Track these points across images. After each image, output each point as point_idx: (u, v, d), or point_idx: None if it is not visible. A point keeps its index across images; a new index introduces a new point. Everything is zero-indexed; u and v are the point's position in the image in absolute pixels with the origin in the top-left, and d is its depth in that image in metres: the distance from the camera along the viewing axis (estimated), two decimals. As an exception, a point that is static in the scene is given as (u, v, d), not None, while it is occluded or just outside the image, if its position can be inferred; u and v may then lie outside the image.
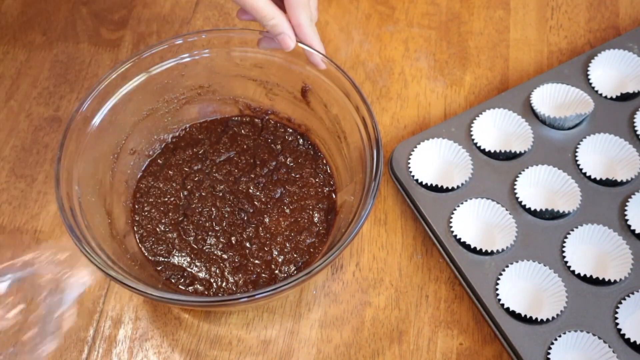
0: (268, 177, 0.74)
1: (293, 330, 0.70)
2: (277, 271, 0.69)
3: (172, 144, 0.77)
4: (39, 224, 0.76)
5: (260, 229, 0.71)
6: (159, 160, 0.75)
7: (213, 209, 0.72)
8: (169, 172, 0.75)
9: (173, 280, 0.69)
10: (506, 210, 0.72)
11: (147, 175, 0.74)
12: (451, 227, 0.71)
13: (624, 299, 0.67)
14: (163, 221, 0.72)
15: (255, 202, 0.72)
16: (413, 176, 0.74)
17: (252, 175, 0.74)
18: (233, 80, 0.76)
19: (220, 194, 0.73)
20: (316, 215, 0.72)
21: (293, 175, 0.74)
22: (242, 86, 0.76)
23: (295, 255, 0.70)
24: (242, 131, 0.77)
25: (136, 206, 0.73)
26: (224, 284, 0.69)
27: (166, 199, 0.73)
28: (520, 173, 0.74)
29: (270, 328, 0.70)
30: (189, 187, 0.74)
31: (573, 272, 0.69)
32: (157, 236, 0.71)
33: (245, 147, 0.76)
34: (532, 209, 0.72)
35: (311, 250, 0.70)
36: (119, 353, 0.69)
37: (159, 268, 0.69)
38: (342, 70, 0.68)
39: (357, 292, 0.72)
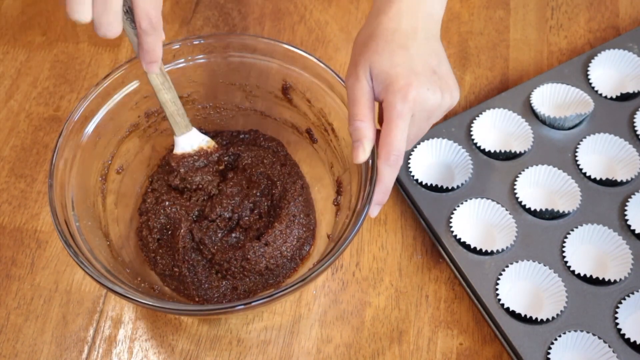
0: (259, 176, 0.74)
1: (293, 330, 0.70)
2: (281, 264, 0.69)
3: (160, 162, 0.76)
4: (39, 223, 0.76)
5: (262, 230, 0.71)
6: (152, 179, 0.75)
7: (215, 221, 0.71)
8: (162, 196, 0.73)
9: (197, 300, 0.68)
10: (506, 210, 0.72)
11: (145, 198, 0.74)
12: (451, 227, 0.71)
13: (624, 299, 0.67)
14: (170, 244, 0.71)
15: (251, 205, 0.72)
16: (413, 176, 0.74)
17: (243, 178, 0.74)
18: (211, 87, 0.75)
19: (213, 204, 0.73)
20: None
21: (283, 171, 0.74)
22: (221, 92, 0.76)
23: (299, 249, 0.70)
24: (222, 137, 0.77)
25: (142, 231, 0.72)
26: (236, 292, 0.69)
27: (169, 221, 0.72)
28: (520, 173, 0.74)
29: (270, 328, 0.70)
30: (181, 207, 0.73)
31: (573, 272, 0.69)
32: (164, 259, 0.70)
33: (228, 148, 0.76)
34: (532, 209, 0.72)
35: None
36: (119, 353, 0.69)
37: (173, 287, 0.69)
38: (338, 75, 0.68)
39: (357, 292, 0.72)
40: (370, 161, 0.64)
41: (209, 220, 0.71)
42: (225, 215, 0.71)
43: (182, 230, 0.69)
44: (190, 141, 0.71)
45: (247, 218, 0.71)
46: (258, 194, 0.72)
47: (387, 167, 0.60)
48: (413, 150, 0.75)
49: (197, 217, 0.72)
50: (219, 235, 0.70)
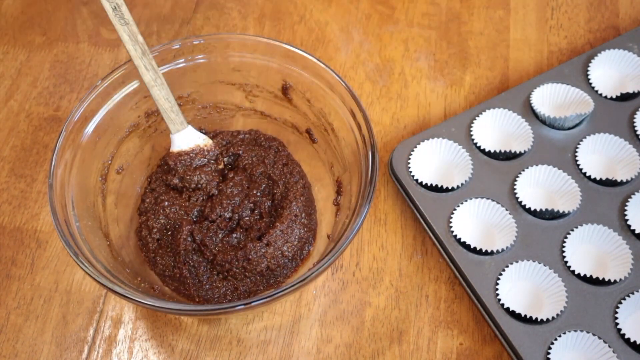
0: (260, 176, 0.74)
1: (293, 330, 0.70)
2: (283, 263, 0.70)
3: (159, 162, 0.76)
4: (39, 223, 0.76)
5: (263, 230, 0.71)
6: (150, 179, 0.75)
7: (215, 221, 0.71)
8: (161, 196, 0.73)
9: (197, 300, 0.69)
10: (506, 210, 0.72)
11: (144, 198, 0.74)
12: (451, 227, 0.71)
13: (624, 299, 0.67)
14: (170, 246, 0.71)
15: (251, 205, 0.72)
16: (413, 176, 0.74)
17: (245, 177, 0.74)
18: (211, 86, 0.75)
19: (213, 204, 0.73)
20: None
21: (284, 170, 0.74)
22: (221, 92, 0.76)
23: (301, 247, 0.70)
24: (221, 135, 0.77)
25: (141, 232, 0.72)
26: (241, 288, 0.69)
27: (168, 221, 0.72)
28: (520, 173, 0.74)
29: (270, 328, 0.70)
30: (181, 206, 0.73)
31: (573, 272, 0.69)
32: (164, 260, 0.70)
33: (229, 148, 0.76)
34: (532, 209, 0.72)
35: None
36: (119, 353, 0.69)
37: (173, 287, 0.69)
38: (340, 76, 0.68)
39: (357, 292, 0.72)
40: (371, 161, 0.64)
41: (209, 221, 0.71)
42: (226, 215, 0.71)
43: (183, 233, 0.69)
44: (187, 139, 0.71)
45: (247, 218, 0.71)
46: (258, 193, 0.72)
47: None
48: (413, 150, 0.75)
49: (196, 218, 0.72)
50: (220, 236, 0.70)
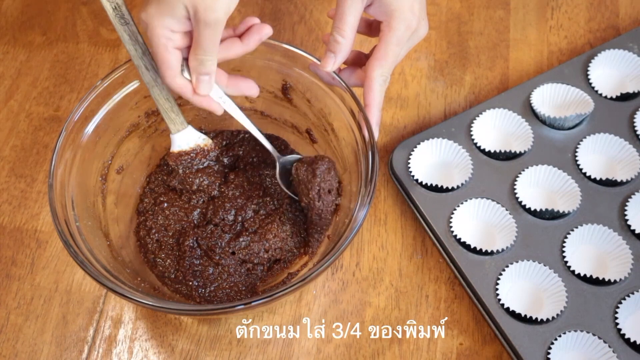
0: (261, 176, 0.74)
1: (293, 330, 0.70)
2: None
3: (159, 162, 0.76)
4: (39, 223, 0.76)
5: (268, 225, 0.71)
6: (150, 179, 0.75)
7: (219, 225, 0.71)
8: (161, 197, 0.73)
9: (197, 299, 0.69)
10: (506, 210, 0.72)
11: (143, 198, 0.74)
12: (451, 227, 0.71)
13: (624, 299, 0.67)
14: (169, 244, 0.71)
15: (254, 206, 0.72)
16: (413, 176, 0.74)
17: (246, 178, 0.74)
18: None
19: (214, 205, 0.73)
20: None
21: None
22: None
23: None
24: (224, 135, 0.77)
25: (139, 232, 0.72)
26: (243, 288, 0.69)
27: (167, 222, 0.72)
28: (520, 173, 0.74)
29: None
30: (185, 206, 0.73)
31: (573, 272, 0.69)
32: (165, 260, 0.70)
33: (229, 148, 0.76)
34: (532, 209, 0.72)
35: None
36: (119, 353, 0.69)
37: (177, 286, 0.69)
38: (338, 75, 0.68)
39: (357, 292, 0.72)
40: (371, 161, 0.64)
41: (213, 225, 0.71)
42: (229, 218, 0.71)
43: (189, 241, 0.69)
44: (187, 139, 0.71)
45: (251, 220, 0.71)
46: (261, 194, 0.72)
47: (381, 86, 0.65)
48: (413, 150, 0.75)
49: (197, 221, 0.72)
50: (226, 239, 0.70)
